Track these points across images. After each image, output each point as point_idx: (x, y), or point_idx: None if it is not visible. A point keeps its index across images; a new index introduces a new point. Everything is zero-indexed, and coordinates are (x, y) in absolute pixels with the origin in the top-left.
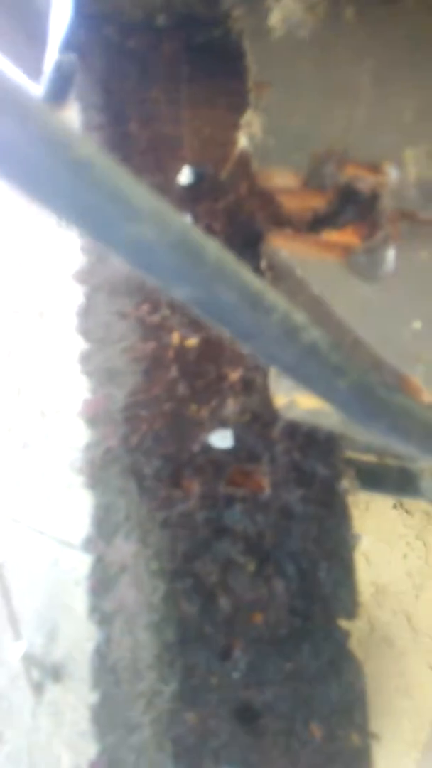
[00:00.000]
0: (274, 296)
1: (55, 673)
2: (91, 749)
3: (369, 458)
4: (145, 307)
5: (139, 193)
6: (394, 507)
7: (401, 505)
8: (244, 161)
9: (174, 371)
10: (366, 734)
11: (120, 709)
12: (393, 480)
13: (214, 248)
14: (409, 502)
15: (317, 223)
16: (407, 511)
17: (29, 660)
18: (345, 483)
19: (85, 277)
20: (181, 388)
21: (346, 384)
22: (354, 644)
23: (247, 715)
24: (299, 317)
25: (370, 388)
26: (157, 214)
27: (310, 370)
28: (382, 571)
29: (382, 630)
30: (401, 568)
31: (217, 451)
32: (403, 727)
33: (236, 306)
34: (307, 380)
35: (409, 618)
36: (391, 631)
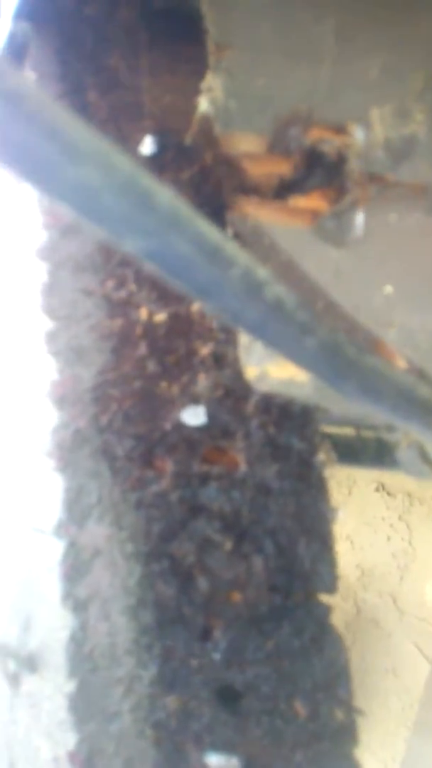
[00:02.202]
0: (233, 248)
1: (31, 664)
2: (70, 739)
3: (345, 431)
4: (111, 283)
5: (80, 131)
6: (377, 490)
7: (383, 487)
8: (206, 126)
9: (143, 348)
10: (351, 709)
11: (98, 696)
12: (370, 453)
13: (165, 194)
14: (391, 485)
15: (284, 189)
16: (389, 494)
17: (4, 651)
18: (321, 456)
19: (47, 253)
20: (151, 365)
21: (314, 343)
22: (336, 619)
23: (229, 697)
24: (262, 272)
25: (339, 347)
26: (101, 155)
27: (276, 329)
28: (366, 553)
29: (368, 612)
30: (386, 550)
31: (190, 429)
32: (391, 706)
33: (193, 259)
34: (273, 340)
35: (395, 599)
36: (378, 612)
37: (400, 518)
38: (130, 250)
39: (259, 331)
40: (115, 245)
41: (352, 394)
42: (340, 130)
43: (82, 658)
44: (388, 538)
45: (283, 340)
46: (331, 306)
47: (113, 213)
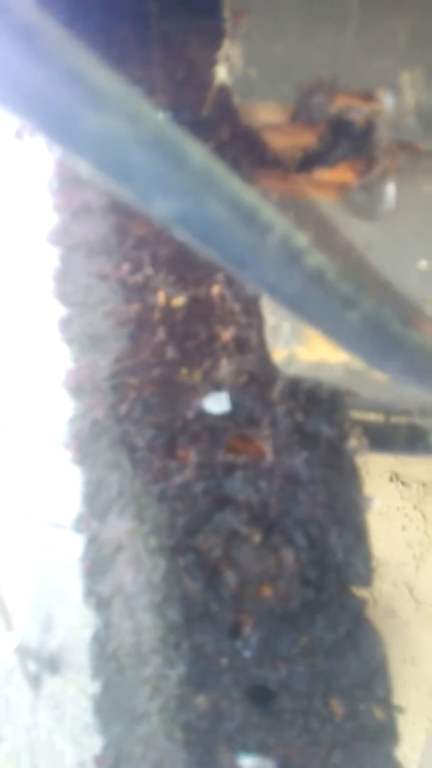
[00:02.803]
0: (271, 212)
1: (53, 665)
2: (95, 743)
3: (374, 418)
4: (126, 267)
5: (103, 75)
6: (391, 480)
7: (397, 477)
8: (224, 97)
9: (161, 333)
10: (390, 707)
11: (124, 698)
12: (402, 439)
13: (198, 151)
14: (405, 475)
15: (308, 161)
16: (404, 483)
17: (24, 652)
18: (353, 442)
19: (59, 237)
20: (171, 352)
21: (357, 317)
22: (370, 613)
23: (261, 696)
24: (301, 239)
25: (383, 322)
26: (128, 103)
27: (315, 301)
28: (382, 543)
29: (384, 602)
30: (401, 540)
31: (213, 417)
32: (410, 696)
33: (227, 223)
34: (312, 314)
35: (411, 589)
36: (394, 602)
37: (414, 508)
38: (159, 213)
39: (297, 304)
40: (142, 208)
41: (395, 373)
42: (368, 96)
43: (107, 657)
44: (403, 528)
45: (323, 313)
46: (369, 281)
47: (141, 170)
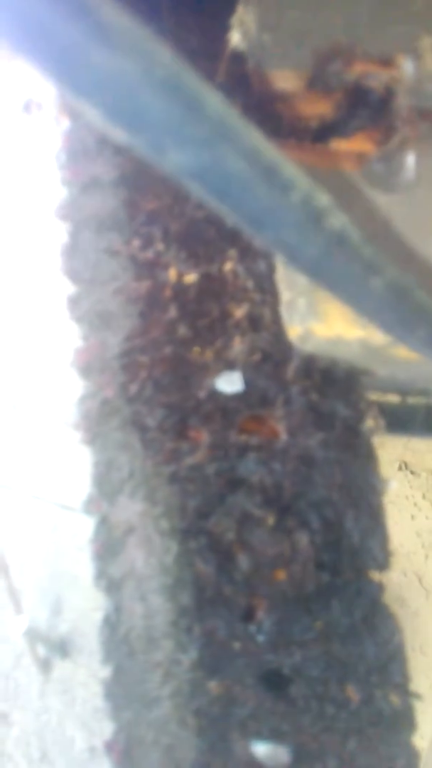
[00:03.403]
0: (292, 169)
1: (63, 648)
2: (106, 728)
3: (391, 399)
4: (137, 243)
5: (113, 10)
6: (400, 468)
7: (406, 466)
8: (238, 65)
9: (173, 311)
10: (407, 694)
11: (135, 682)
12: (419, 420)
13: (215, 98)
14: (414, 463)
15: (325, 131)
16: (413, 472)
17: (33, 635)
18: (369, 423)
19: (67, 212)
20: (182, 330)
21: (381, 284)
22: (388, 598)
23: (275, 681)
24: (324, 198)
25: (407, 290)
26: (139, 42)
27: (337, 266)
28: (390, 532)
29: (394, 590)
30: (410, 529)
31: (226, 397)
32: (420, 684)
33: (246, 179)
34: (333, 279)
35: (421, 578)
36: (403, 591)
37: (424, 497)
38: (172, 166)
39: (317, 269)
40: (155, 160)
41: (418, 345)
42: (387, 62)
43: (117, 641)
44: (412, 517)
45: (345, 279)
46: (391, 251)
47: (153, 116)
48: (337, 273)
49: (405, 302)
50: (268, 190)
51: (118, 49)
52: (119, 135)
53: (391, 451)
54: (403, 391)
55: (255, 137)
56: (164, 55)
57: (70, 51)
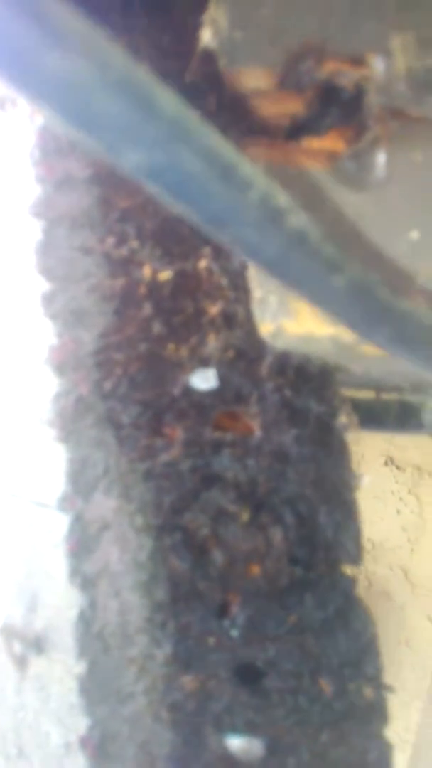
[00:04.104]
0: (250, 168)
1: (38, 645)
2: (81, 724)
3: (364, 395)
4: (111, 240)
5: (65, 14)
6: (386, 464)
7: (392, 461)
8: (209, 63)
9: (147, 308)
10: (380, 687)
11: (110, 678)
12: (393, 416)
13: (169, 98)
14: (400, 458)
15: (296, 129)
16: (398, 467)
17: (9, 632)
18: (342, 419)
19: (41, 209)
20: (157, 327)
21: (343, 282)
22: (361, 592)
23: (249, 675)
24: (283, 198)
25: (370, 288)
26: (92, 44)
27: (299, 265)
28: (376, 527)
29: (379, 585)
30: (395, 524)
31: (200, 393)
32: (405, 678)
33: (203, 178)
34: (295, 278)
35: (406, 572)
36: (389, 585)
37: (409, 492)
38: (129, 166)
39: (279, 268)
40: (112, 160)
41: (383, 342)
42: (358, 61)
43: (92, 637)
44: (398, 512)
45: (307, 278)
46: (359, 251)
47: (108, 117)
48: (298, 271)
49: (368, 300)
50: (226, 189)
51: (72, 51)
52: (77, 136)
53: (376, 446)
54: (377, 388)
55: (212, 136)
56: (117, 57)
57: (24, 54)
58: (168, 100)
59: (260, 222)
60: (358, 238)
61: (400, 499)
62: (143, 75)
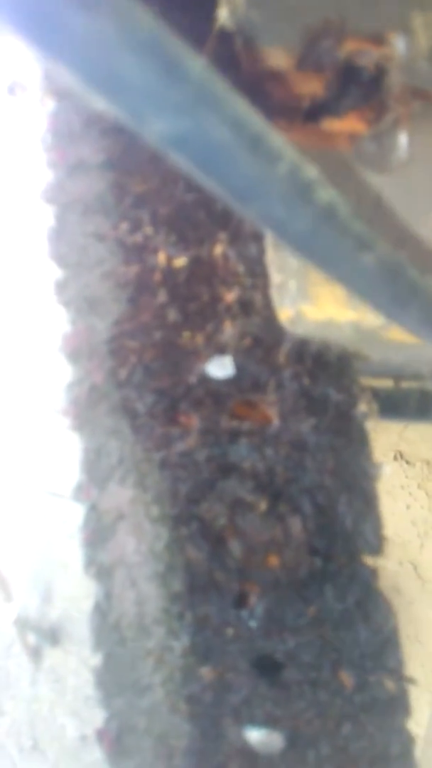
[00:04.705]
0: (279, 140)
1: (53, 636)
2: (97, 716)
3: (383, 384)
4: (125, 226)
5: None
6: (395, 458)
7: (402, 456)
8: (226, 41)
9: (162, 295)
10: (401, 679)
11: (127, 670)
12: (412, 405)
13: (197, 63)
14: (409, 453)
15: (316, 111)
16: (408, 462)
17: (23, 624)
18: (362, 407)
19: (53, 194)
20: (172, 314)
21: (372, 260)
22: (382, 583)
23: (268, 667)
24: (312, 171)
25: (400, 267)
26: (116, 3)
27: (327, 241)
28: (386, 521)
29: (389, 579)
30: (405, 518)
31: (217, 382)
32: (415, 672)
33: (230, 148)
34: (323, 255)
35: (416, 567)
36: (399, 580)
37: (419, 486)
38: (153, 134)
39: (307, 245)
40: (135, 128)
41: (411, 324)
42: (378, 40)
43: (108, 629)
44: (408, 507)
45: (336, 255)
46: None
47: (131, 80)
48: (326, 248)
49: (397, 280)
50: (254, 160)
51: (97, 10)
52: (100, 102)
53: (386, 440)
54: (396, 376)
55: (240, 105)
56: (144, 18)
57: (47, 13)
58: (195, 64)
59: (288, 195)
60: (381, 221)
61: (410, 494)
62: (170, 38)
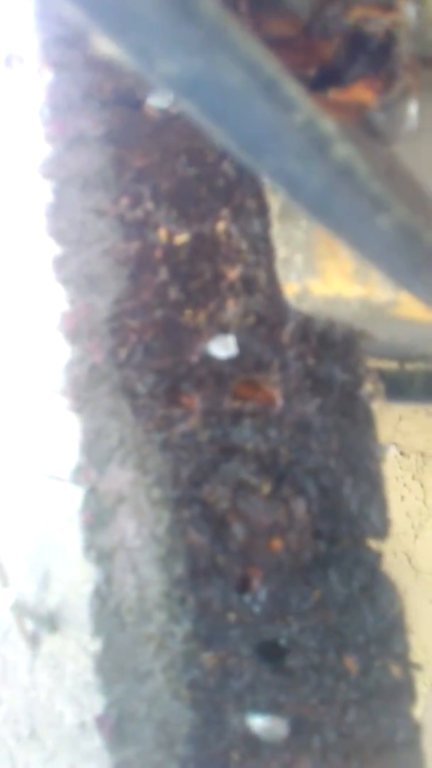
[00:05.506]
0: (295, 88)
1: (51, 622)
2: (97, 703)
3: (388, 365)
4: (125, 201)
5: None
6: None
7: (396, 447)
8: (229, 6)
9: (164, 273)
10: (407, 665)
11: (127, 655)
12: (418, 387)
13: (209, 2)
14: (404, 444)
15: (323, 80)
16: (402, 453)
17: (21, 609)
18: (368, 388)
19: (52, 169)
20: (173, 292)
21: (388, 223)
22: (387, 567)
23: (271, 653)
24: (329, 124)
25: (416, 231)
26: None
27: (343, 201)
28: None
29: None
30: (400, 510)
31: (219, 361)
32: None
33: (244, 92)
34: (338, 216)
35: (410, 557)
36: (393, 571)
37: (413, 478)
38: (163, 75)
39: (321, 205)
40: (144, 69)
41: (425, 291)
42: (388, 6)
43: (108, 614)
44: (402, 498)
45: (351, 217)
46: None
47: (141, 14)
48: (341, 209)
49: (413, 244)
50: (269, 107)
51: None
52: (106, 40)
53: (381, 432)
54: (402, 357)
55: (254, 47)
56: None
57: None
58: (208, 2)
59: (304, 149)
60: (397, 183)
61: (405, 485)
62: None
